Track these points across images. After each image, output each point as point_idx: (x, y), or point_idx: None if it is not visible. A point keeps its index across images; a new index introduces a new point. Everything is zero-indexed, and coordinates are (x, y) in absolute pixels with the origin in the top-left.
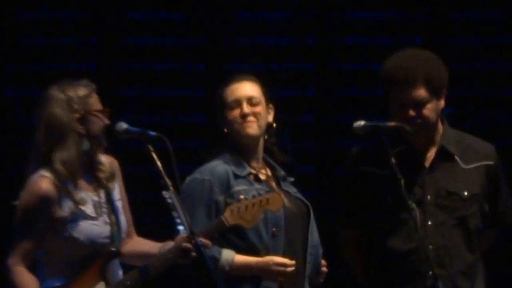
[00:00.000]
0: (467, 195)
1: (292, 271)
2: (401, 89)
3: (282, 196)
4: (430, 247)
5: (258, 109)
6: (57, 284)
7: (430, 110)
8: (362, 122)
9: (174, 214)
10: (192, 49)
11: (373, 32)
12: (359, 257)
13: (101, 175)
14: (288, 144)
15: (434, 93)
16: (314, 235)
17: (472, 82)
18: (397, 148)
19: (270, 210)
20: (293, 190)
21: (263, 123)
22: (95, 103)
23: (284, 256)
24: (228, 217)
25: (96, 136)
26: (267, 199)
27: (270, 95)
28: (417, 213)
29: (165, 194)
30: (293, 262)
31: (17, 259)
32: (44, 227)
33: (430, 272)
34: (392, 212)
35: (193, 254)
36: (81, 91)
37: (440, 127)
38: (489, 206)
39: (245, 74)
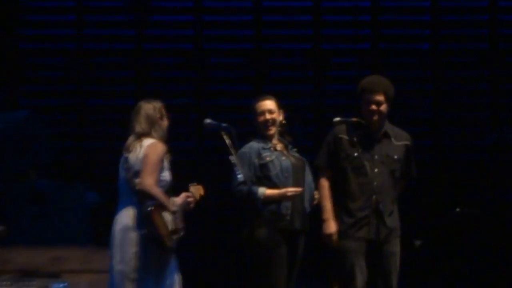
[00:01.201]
0: (396, 158)
1: (299, 192)
2: (370, 93)
3: (284, 157)
4: (375, 183)
5: (274, 116)
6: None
7: (383, 109)
8: (338, 118)
9: (235, 169)
10: None
11: None
12: (329, 191)
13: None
14: (298, 129)
15: (387, 100)
16: (309, 177)
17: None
18: (361, 130)
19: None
20: (296, 154)
21: (277, 123)
22: (164, 111)
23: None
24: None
25: (165, 126)
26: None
27: (281, 105)
28: (368, 164)
29: (231, 158)
30: (299, 188)
31: (153, 182)
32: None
33: (374, 196)
34: (354, 162)
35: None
36: (158, 105)
37: (385, 120)
38: (405, 166)
39: (267, 94)
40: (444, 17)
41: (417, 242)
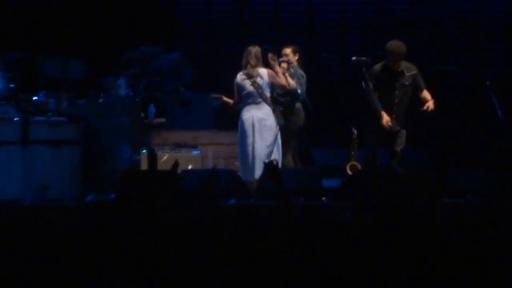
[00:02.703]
0: (407, 84)
1: None
2: (394, 56)
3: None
4: (396, 100)
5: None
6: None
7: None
8: (354, 58)
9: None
10: None
11: None
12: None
13: None
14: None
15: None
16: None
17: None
18: (386, 67)
19: None
20: None
21: None
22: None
23: None
24: None
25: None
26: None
27: None
28: (393, 89)
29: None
30: None
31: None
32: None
33: (395, 107)
34: (384, 86)
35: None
36: (256, 48)
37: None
38: (415, 86)
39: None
40: None
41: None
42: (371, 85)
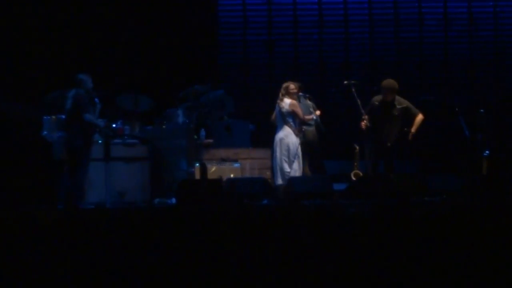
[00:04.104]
0: (397, 114)
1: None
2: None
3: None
4: (387, 124)
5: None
6: None
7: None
8: (350, 81)
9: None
10: None
11: None
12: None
13: None
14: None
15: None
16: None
17: None
18: (382, 100)
19: None
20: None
21: None
22: (286, 89)
23: None
24: None
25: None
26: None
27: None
28: (386, 116)
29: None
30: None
31: (304, 116)
32: None
33: (387, 129)
34: (379, 113)
35: None
36: (284, 85)
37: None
38: (408, 115)
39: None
40: None
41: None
42: (359, 101)
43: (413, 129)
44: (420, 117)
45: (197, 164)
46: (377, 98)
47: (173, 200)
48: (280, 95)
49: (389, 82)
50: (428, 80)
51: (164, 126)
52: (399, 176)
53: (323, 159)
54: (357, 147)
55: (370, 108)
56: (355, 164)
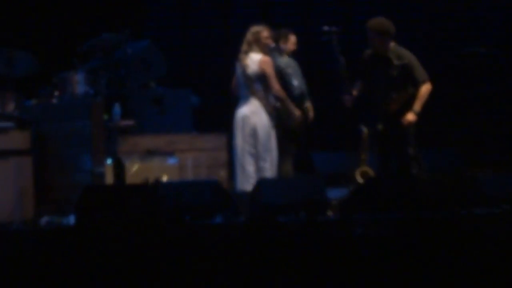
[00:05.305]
0: (395, 75)
1: None
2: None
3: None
4: (379, 94)
5: None
6: None
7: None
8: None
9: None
10: None
11: None
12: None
13: None
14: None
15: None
16: None
17: None
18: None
19: None
20: None
21: None
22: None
23: None
24: None
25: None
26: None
27: None
28: (377, 81)
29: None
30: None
31: (279, 87)
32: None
33: (382, 104)
34: (368, 76)
35: None
36: (255, 29)
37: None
38: (407, 79)
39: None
40: None
41: None
42: (343, 60)
43: (415, 107)
44: (426, 87)
45: (109, 161)
46: (367, 51)
47: (71, 219)
48: (244, 46)
49: (376, 21)
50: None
51: (54, 100)
52: (431, 176)
53: (310, 150)
54: (365, 131)
55: (360, 69)
56: (362, 157)
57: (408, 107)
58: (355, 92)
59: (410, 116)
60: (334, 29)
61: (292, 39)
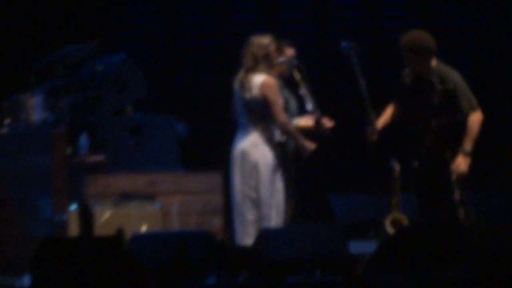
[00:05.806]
0: (436, 102)
1: None
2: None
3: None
4: (420, 125)
5: None
6: None
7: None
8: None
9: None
10: None
11: None
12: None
13: None
14: None
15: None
16: None
17: None
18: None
19: None
20: None
21: None
22: (271, 48)
23: None
24: None
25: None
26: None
27: None
28: (416, 107)
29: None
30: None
31: (285, 117)
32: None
33: (422, 135)
34: (406, 101)
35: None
36: (265, 41)
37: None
38: (451, 106)
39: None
40: None
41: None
42: (364, 83)
43: (465, 146)
44: (474, 118)
45: (74, 207)
46: (407, 72)
47: (25, 281)
48: (249, 62)
49: (412, 37)
50: None
51: (6, 130)
52: (486, 225)
53: (329, 192)
54: (397, 168)
55: (397, 92)
56: (393, 201)
57: (451, 139)
58: (380, 124)
59: (461, 161)
60: (354, 45)
61: (289, 52)
